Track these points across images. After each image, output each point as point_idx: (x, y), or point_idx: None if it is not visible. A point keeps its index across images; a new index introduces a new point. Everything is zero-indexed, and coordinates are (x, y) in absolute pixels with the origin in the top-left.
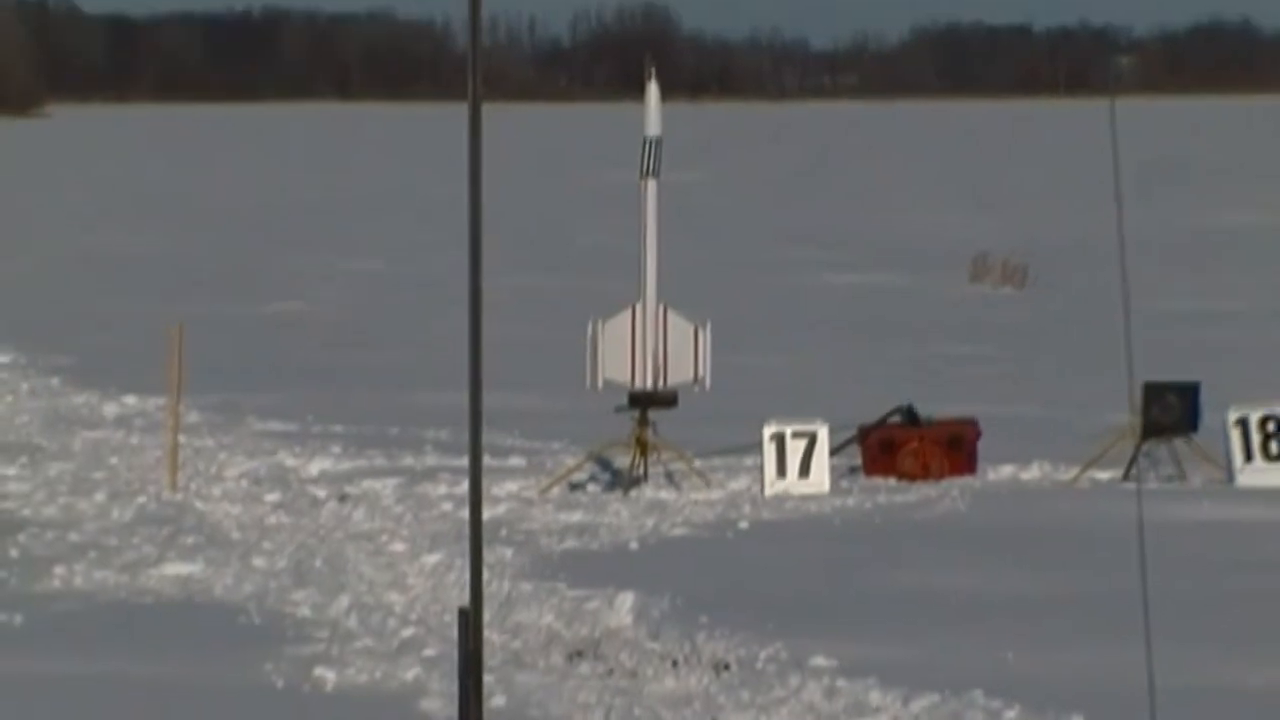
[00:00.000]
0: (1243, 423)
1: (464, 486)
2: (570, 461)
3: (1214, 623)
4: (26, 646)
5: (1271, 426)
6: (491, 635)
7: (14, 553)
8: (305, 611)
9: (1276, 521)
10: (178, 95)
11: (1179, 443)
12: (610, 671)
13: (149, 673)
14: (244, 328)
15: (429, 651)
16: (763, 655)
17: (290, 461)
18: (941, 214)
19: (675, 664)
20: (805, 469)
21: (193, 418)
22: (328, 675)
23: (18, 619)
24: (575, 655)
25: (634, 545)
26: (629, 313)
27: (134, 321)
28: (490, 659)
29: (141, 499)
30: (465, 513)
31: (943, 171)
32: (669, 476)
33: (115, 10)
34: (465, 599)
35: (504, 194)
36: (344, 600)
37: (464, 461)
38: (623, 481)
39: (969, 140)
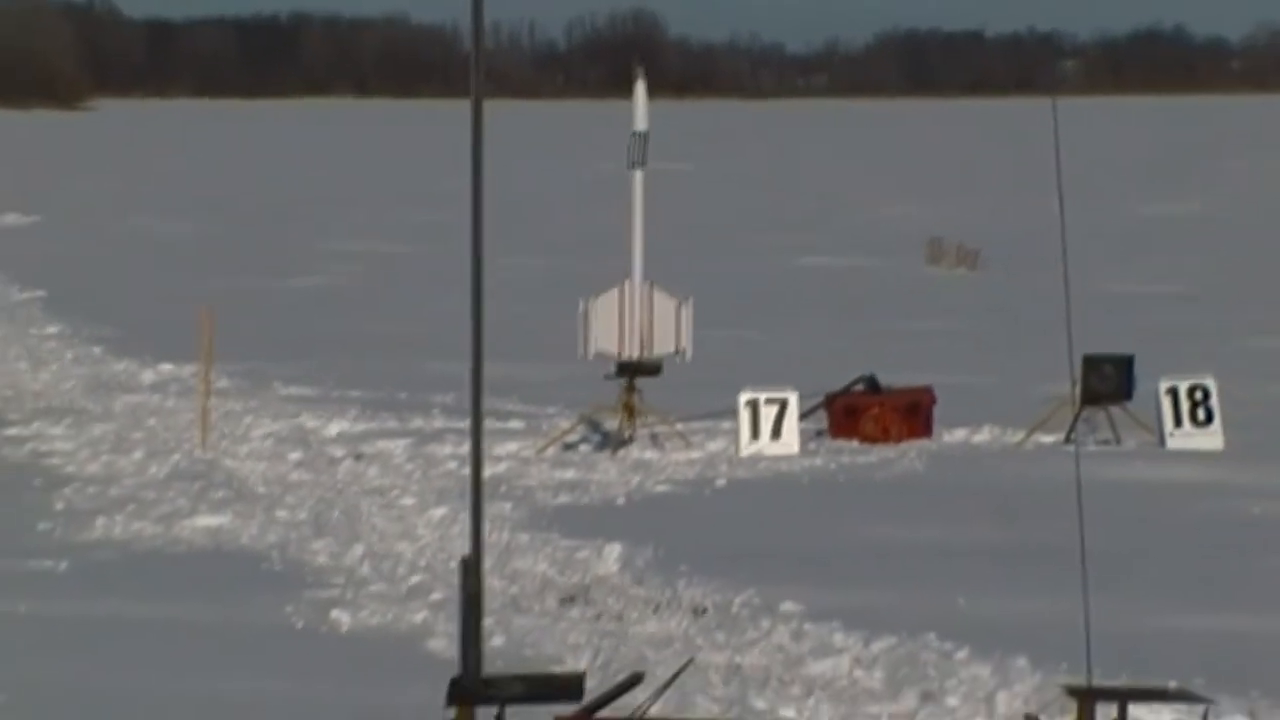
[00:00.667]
0: (1173, 392)
1: (467, 446)
2: (564, 424)
3: (1146, 573)
4: (70, 591)
5: (1199, 395)
6: (491, 581)
7: (59, 505)
8: (323, 559)
9: (1203, 481)
10: (211, 91)
11: (1115, 410)
12: (599, 615)
13: (181, 615)
14: (270, 302)
15: (435, 596)
16: (737, 601)
17: (310, 423)
18: (902, 203)
19: (657, 608)
20: (777, 432)
21: (222, 383)
22: (343, 617)
23: (62, 566)
24: (567, 600)
25: (621, 500)
26: (617, 290)
27: (170, 296)
28: (490, 603)
29: (176, 457)
30: (468, 470)
31: (903, 164)
32: (653, 438)
33: (154, 14)
34: (467, 548)
35: (505, 183)
36: (358, 549)
37: (467, 424)
38: (611, 443)
39: (927, 136)
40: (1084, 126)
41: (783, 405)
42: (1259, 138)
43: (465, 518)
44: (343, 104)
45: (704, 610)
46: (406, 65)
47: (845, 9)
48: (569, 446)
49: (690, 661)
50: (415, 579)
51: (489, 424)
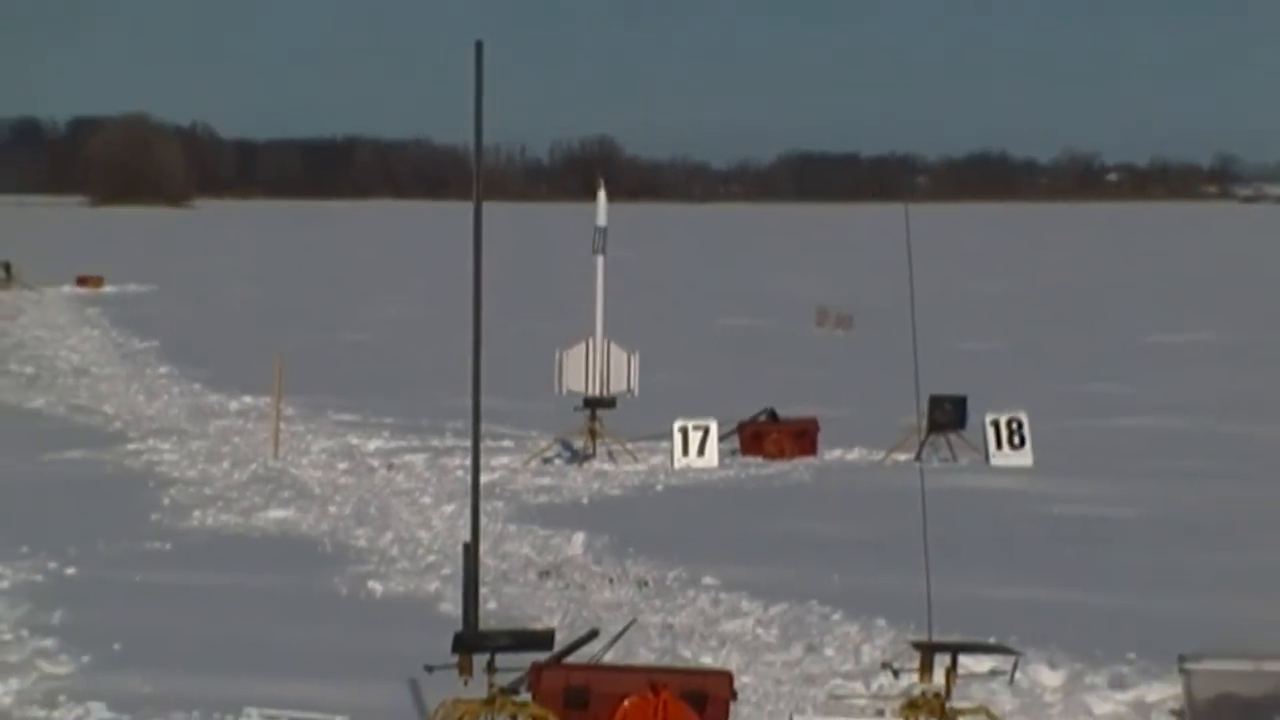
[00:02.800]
0: (995, 423)
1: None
2: (543, 444)
3: (973, 557)
4: (173, 565)
5: (1015, 425)
6: (487, 560)
7: (166, 501)
8: (362, 543)
9: (1017, 489)
10: (283, 194)
11: (952, 435)
12: (567, 586)
13: (257, 583)
14: (326, 352)
15: (445, 571)
16: (670, 575)
17: (354, 441)
18: (795, 280)
19: (611, 581)
20: (701, 450)
21: (289, 412)
22: (377, 586)
23: (168, 546)
24: (544, 574)
25: (585, 500)
26: (584, 344)
27: (251, 346)
28: (485, 577)
29: (253, 466)
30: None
31: (797, 251)
32: (610, 454)
33: (241, 134)
34: (469, 536)
35: (500, 265)
36: (389, 535)
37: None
38: (579, 458)
39: (815, 230)
40: (931, 225)
41: (706, 431)
42: (1060, 235)
43: (468, 513)
44: (383, 205)
45: (645, 583)
46: (431, 176)
47: (754, 136)
48: (546, 460)
49: (634, 621)
50: (431, 558)
51: (486, 443)
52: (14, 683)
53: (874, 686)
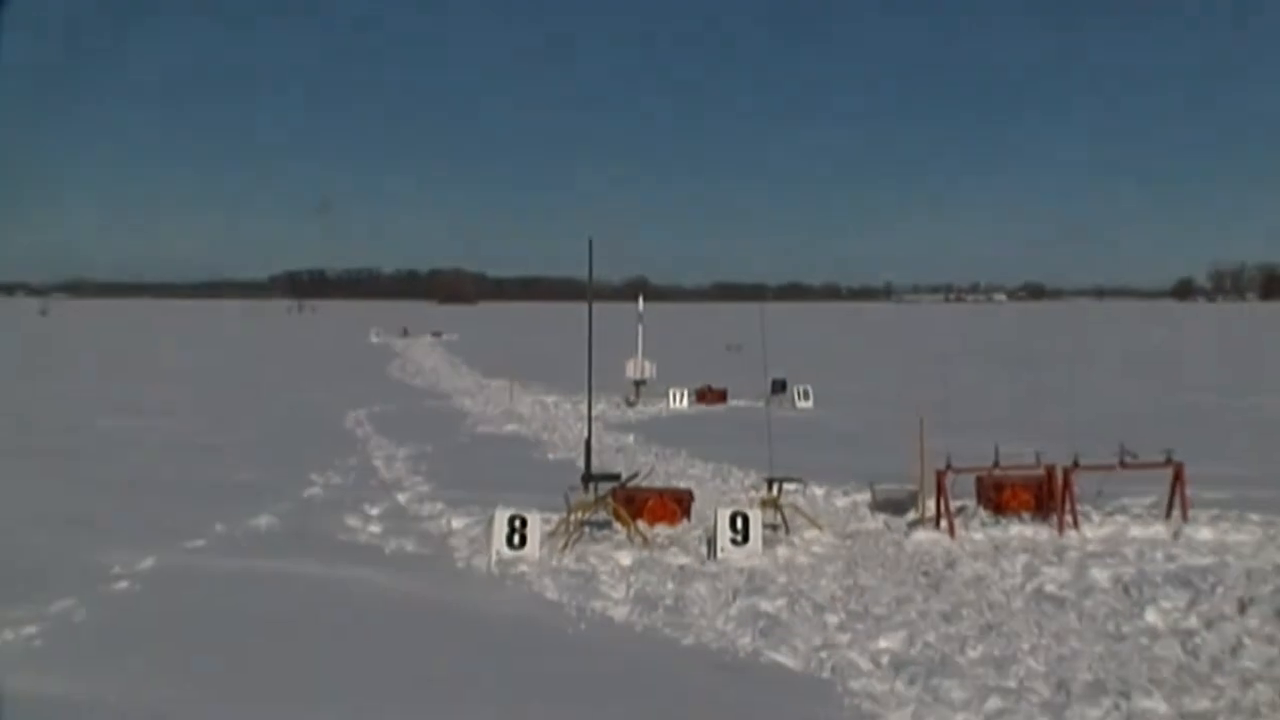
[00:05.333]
0: (798, 389)
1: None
2: (616, 399)
3: (789, 442)
4: (470, 448)
5: (806, 390)
6: (596, 444)
7: (467, 421)
8: (545, 437)
9: (807, 418)
10: (515, 299)
11: (781, 395)
12: (627, 455)
13: (504, 454)
14: (534, 360)
15: (578, 449)
16: (668, 451)
17: (543, 398)
18: (715, 333)
19: (644, 453)
20: (681, 401)
21: (517, 386)
22: (550, 456)
23: (467, 440)
24: (617, 451)
25: (634, 421)
26: (634, 358)
27: (503, 358)
28: (593, 452)
29: (502, 407)
30: (588, 412)
31: (719, 322)
32: (644, 403)
33: (498, 273)
34: (587, 435)
35: (600, 329)
36: (556, 435)
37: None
38: (631, 404)
39: (728, 315)
40: (776, 313)
41: (683, 392)
42: (858, 323)
43: (585, 428)
44: (555, 304)
45: (657, 454)
46: (578, 293)
47: (694, 269)
48: (616, 406)
49: (653, 468)
50: (573, 442)
51: (594, 398)
52: (406, 495)
53: (749, 495)
